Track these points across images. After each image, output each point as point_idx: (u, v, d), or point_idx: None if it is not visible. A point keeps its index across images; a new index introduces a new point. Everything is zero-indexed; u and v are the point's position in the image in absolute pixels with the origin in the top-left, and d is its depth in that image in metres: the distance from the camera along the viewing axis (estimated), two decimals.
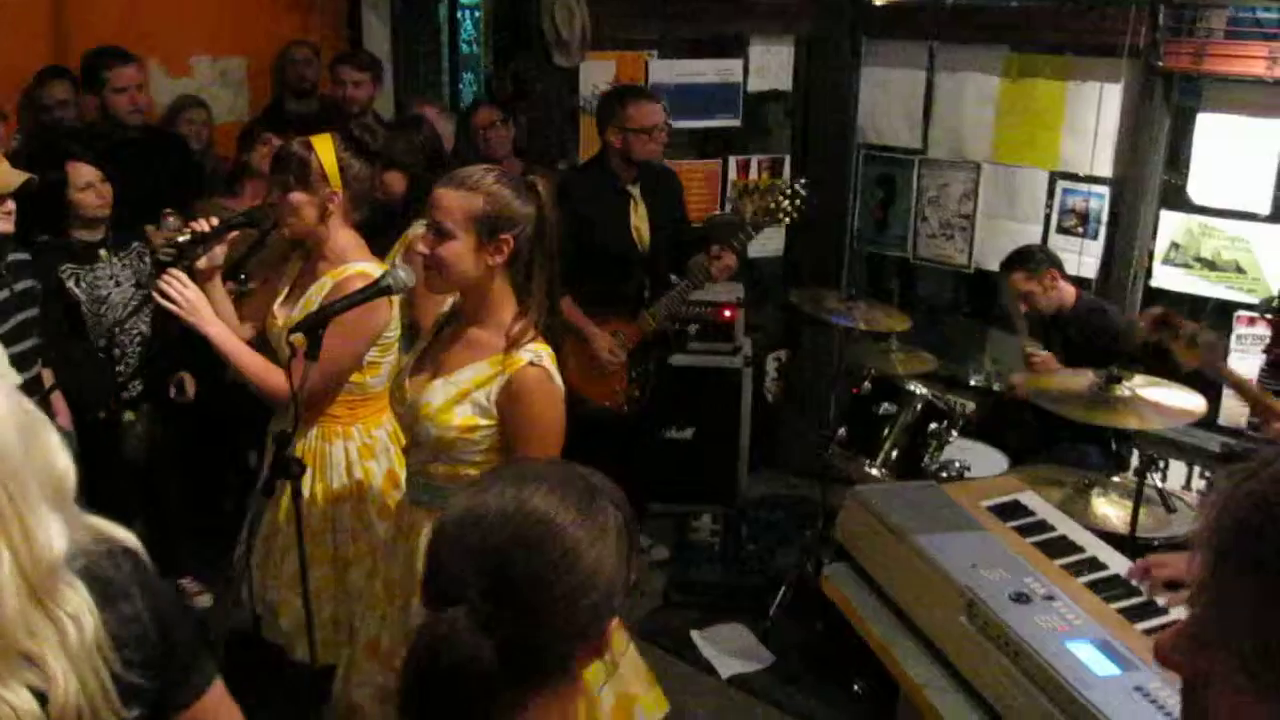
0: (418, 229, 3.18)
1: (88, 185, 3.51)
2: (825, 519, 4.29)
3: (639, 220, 4.07)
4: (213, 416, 3.88)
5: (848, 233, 5.26)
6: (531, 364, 2.13)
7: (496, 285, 2.20)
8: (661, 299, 4.07)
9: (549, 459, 1.19)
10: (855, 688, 3.61)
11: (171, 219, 3.64)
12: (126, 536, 1.37)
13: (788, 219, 4.02)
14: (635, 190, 4.05)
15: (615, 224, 4.01)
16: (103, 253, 3.60)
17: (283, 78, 4.92)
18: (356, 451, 2.84)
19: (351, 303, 2.38)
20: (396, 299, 2.68)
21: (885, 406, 3.84)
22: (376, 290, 2.38)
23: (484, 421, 2.16)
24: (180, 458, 3.91)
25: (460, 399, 2.18)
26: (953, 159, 4.88)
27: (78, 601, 1.25)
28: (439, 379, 2.23)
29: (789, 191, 3.98)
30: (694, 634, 4.04)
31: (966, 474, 3.67)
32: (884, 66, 5.01)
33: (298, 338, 2.27)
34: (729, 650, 3.95)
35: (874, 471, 3.80)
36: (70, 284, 3.55)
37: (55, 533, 1.25)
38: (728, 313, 4.72)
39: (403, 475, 2.77)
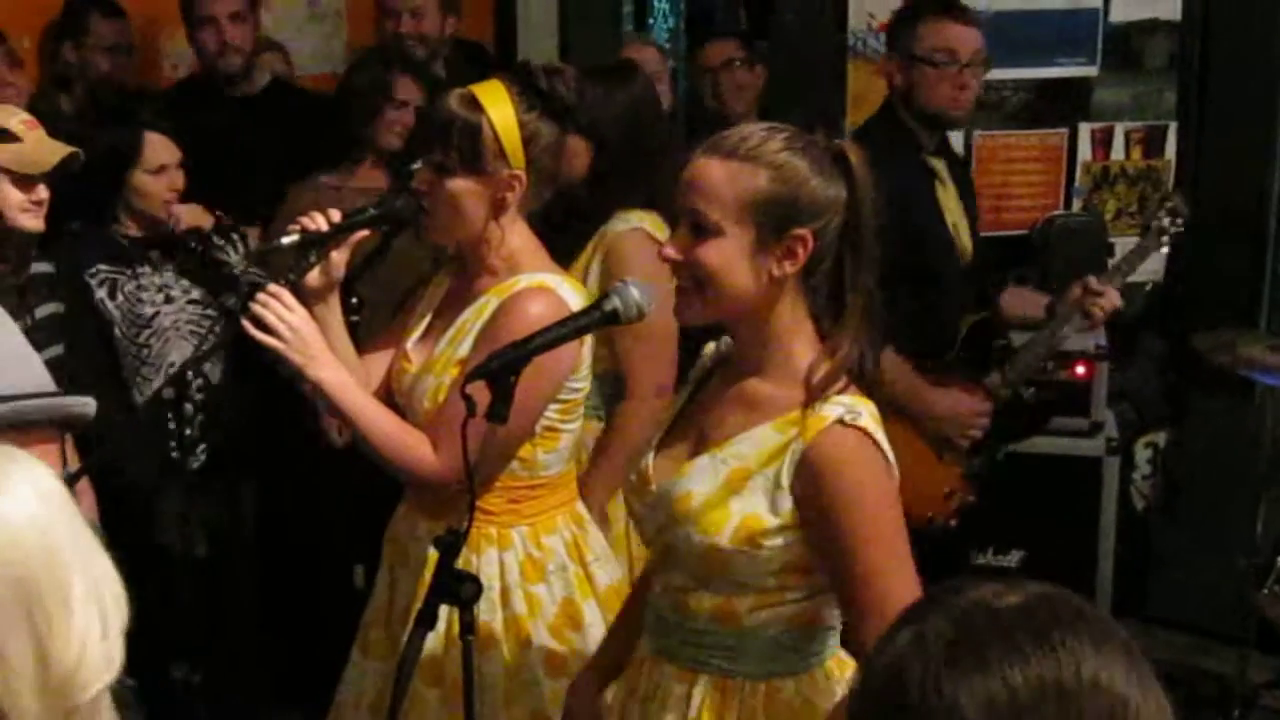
0: (618, 226, 3.41)
1: (161, 169, 3.59)
2: (1243, 705, 4.30)
3: (953, 210, 3.99)
4: (304, 515, 4.00)
5: (1271, 242, 5.05)
6: (842, 421, 2.12)
7: (786, 309, 2.21)
8: (1021, 350, 3.95)
9: (1012, 584, 1.22)
10: None
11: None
12: None
13: (1160, 243, 3.98)
14: (940, 165, 3.97)
15: (926, 214, 3.88)
16: (154, 254, 3.69)
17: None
18: (518, 570, 2.85)
19: (561, 335, 2.38)
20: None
21: None
22: (597, 318, 2.38)
23: (774, 521, 2.16)
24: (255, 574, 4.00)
25: (739, 485, 2.19)
26: None
27: None
28: (704, 455, 2.25)
29: (1166, 205, 3.97)
30: None
31: None
32: None
33: (476, 388, 2.26)
34: None
35: None
36: (102, 294, 3.62)
37: None
38: (1081, 369, 4.57)
39: (586, 610, 2.90)
